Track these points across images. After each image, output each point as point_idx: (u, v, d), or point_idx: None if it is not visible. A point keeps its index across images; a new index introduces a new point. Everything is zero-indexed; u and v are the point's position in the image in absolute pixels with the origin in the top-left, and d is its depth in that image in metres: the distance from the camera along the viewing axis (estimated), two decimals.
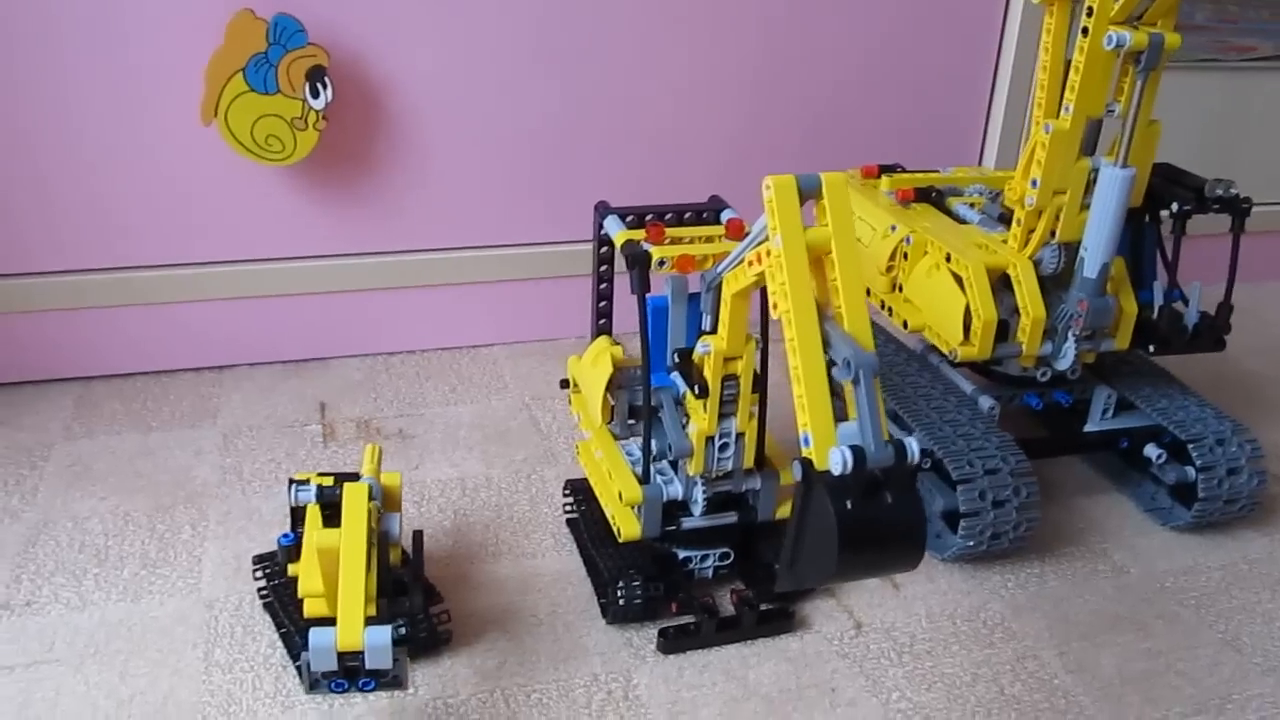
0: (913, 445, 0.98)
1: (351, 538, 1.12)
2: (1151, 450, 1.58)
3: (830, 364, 1.02)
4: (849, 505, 0.96)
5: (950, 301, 1.52)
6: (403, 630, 1.10)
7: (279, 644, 1.29)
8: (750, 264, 1.12)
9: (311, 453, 1.66)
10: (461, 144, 1.84)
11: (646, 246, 1.29)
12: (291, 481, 1.30)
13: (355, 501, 1.15)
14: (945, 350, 1.52)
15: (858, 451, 0.96)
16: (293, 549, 1.27)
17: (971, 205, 1.69)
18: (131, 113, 1.69)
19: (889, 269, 1.63)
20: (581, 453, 1.49)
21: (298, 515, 1.30)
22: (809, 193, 1.05)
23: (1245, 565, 1.51)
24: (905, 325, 1.58)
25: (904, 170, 1.79)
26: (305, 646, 1.20)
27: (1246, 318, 1.74)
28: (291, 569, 1.28)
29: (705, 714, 1.23)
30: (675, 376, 1.36)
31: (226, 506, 1.54)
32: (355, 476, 1.27)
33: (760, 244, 1.11)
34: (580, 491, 1.50)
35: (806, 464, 0.99)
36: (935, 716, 1.23)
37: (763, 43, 1.94)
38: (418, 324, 1.94)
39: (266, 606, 1.35)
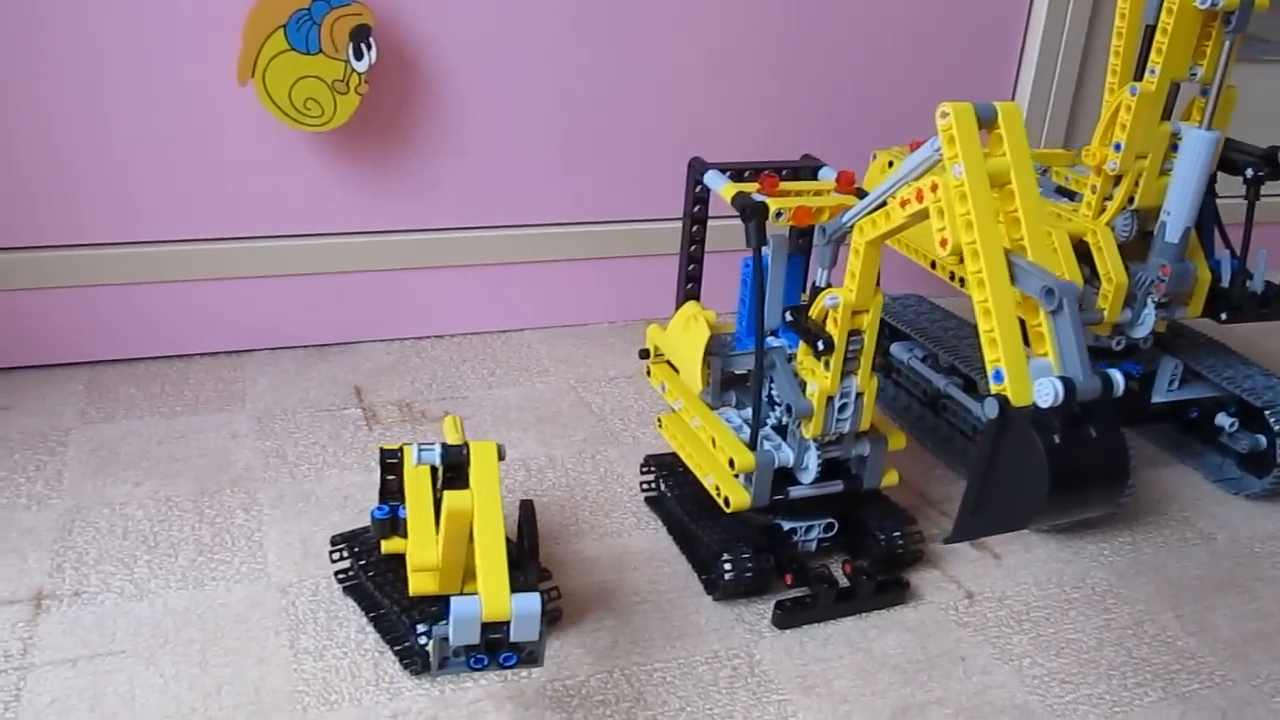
0: (1118, 377, 0.94)
1: (486, 499, 1.03)
2: (1223, 419, 1.57)
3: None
4: (1057, 441, 0.91)
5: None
6: (548, 600, 1.01)
7: (369, 629, 1.19)
8: (904, 204, 1.07)
9: (357, 435, 1.55)
10: (500, 116, 1.76)
11: (760, 197, 1.24)
12: (382, 451, 1.20)
13: (485, 461, 1.06)
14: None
15: (1069, 383, 0.91)
16: (387, 523, 1.17)
17: None
18: (160, 70, 1.57)
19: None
20: (667, 426, 1.41)
21: (388, 488, 1.20)
22: (985, 120, 1.01)
23: None
24: (961, 283, 1.55)
25: None
26: (417, 625, 1.12)
27: None
28: (385, 545, 1.18)
29: (839, 686, 1.16)
30: (773, 340, 1.30)
31: (278, 490, 1.42)
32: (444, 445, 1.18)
33: (914, 182, 1.07)
34: (664, 467, 1.43)
35: (1003, 400, 0.94)
36: (1071, 680, 1.19)
37: (797, 18, 1.90)
38: (447, 307, 1.85)
39: (349, 590, 1.24)
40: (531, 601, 0.98)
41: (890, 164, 1.69)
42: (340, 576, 1.25)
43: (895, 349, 1.70)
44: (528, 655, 1.01)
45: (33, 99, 1.52)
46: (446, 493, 1.02)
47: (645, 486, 1.46)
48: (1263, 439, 1.54)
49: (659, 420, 1.43)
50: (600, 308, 1.94)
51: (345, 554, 1.25)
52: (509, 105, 1.76)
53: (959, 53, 2.05)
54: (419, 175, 1.75)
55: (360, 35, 1.57)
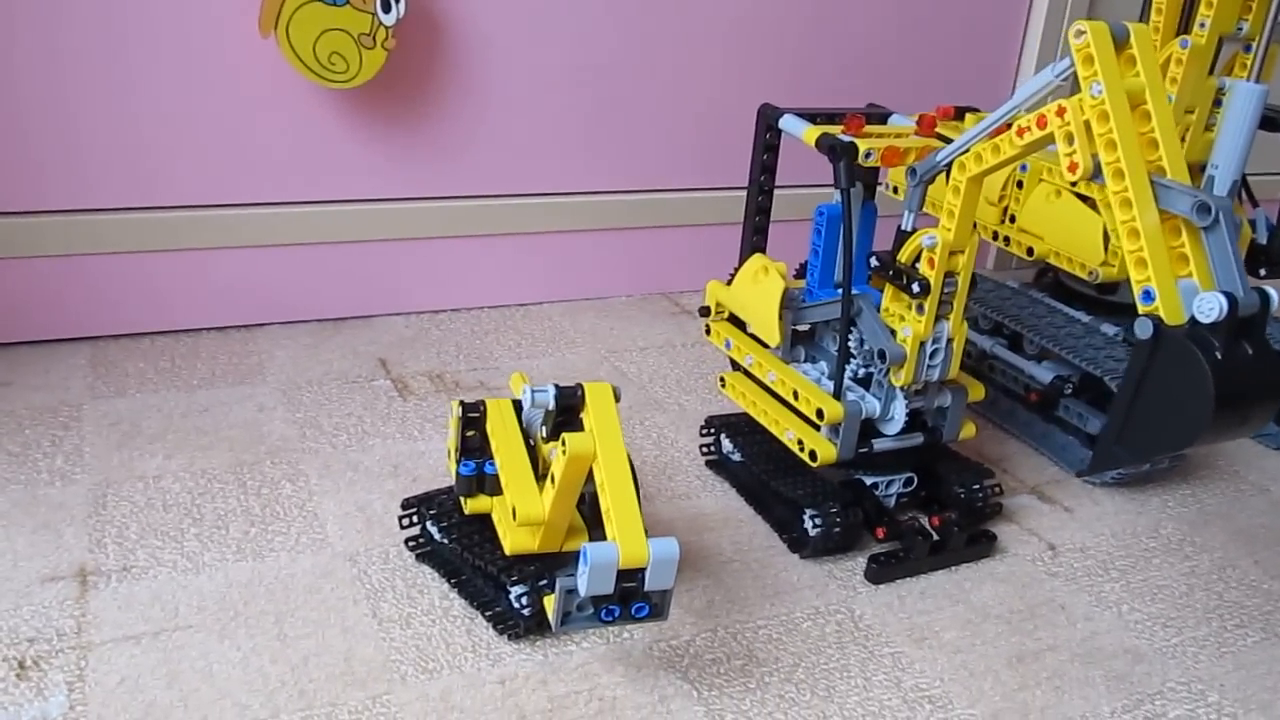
0: (1274, 294, 0.92)
1: (609, 440, 0.97)
2: None
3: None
4: (1219, 357, 0.89)
5: (1082, 224, 1.49)
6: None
7: (453, 595, 1.11)
8: (1023, 132, 1.04)
9: (391, 406, 1.47)
10: (523, 82, 1.70)
11: (847, 138, 1.20)
12: (463, 405, 1.13)
13: (603, 401, 0.99)
14: (1083, 273, 1.48)
15: (1231, 298, 0.89)
16: (474, 480, 1.09)
17: None
18: (174, 22, 1.47)
19: (1000, 200, 1.59)
20: (732, 384, 1.36)
21: (468, 445, 1.13)
22: (1119, 42, 0.98)
23: None
24: (1030, 253, 1.54)
25: (978, 111, 1.76)
26: (514, 586, 1.05)
27: None
28: (471, 505, 1.11)
29: (948, 637, 1.12)
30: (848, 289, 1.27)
31: (321, 460, 1.33)
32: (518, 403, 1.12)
33: (1035, 108, 1.04)
34: (729, 427, 1.38)
35: (1157, 320, 0.92)
36: (1173, 624, 1.17)
37: None
38: (464, 279, 1.77)
39: (423, 556, 1.16)
40: (670, 546, 0.92)
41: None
42: (411, 544, 1.17)
43: None
44: (655, 608, 0.96)
45: (37, 50, 1.41)
46: (567, 435, 0.95)
47: (706, 450, 1.41)
48: None
49: (722, 379, 1.38)
50: (620, 281, 1.88)
51: (418, 518, 1.18)
52: (533, 71, 1.70)
53: (967, 24, 2.05)
54: (438, 141, 1.67)
55: None
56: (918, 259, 1.16)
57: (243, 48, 1.49)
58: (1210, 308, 0.89)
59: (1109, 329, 1.54)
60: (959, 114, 1.71)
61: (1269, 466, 1.54)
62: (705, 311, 1.40)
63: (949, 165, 1.15)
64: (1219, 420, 0.89)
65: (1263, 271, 1.56)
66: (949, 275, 1.17)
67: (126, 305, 1.57)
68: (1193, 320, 0.90)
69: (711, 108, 1.85)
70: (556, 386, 1.01)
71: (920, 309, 1.17)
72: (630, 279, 1.88)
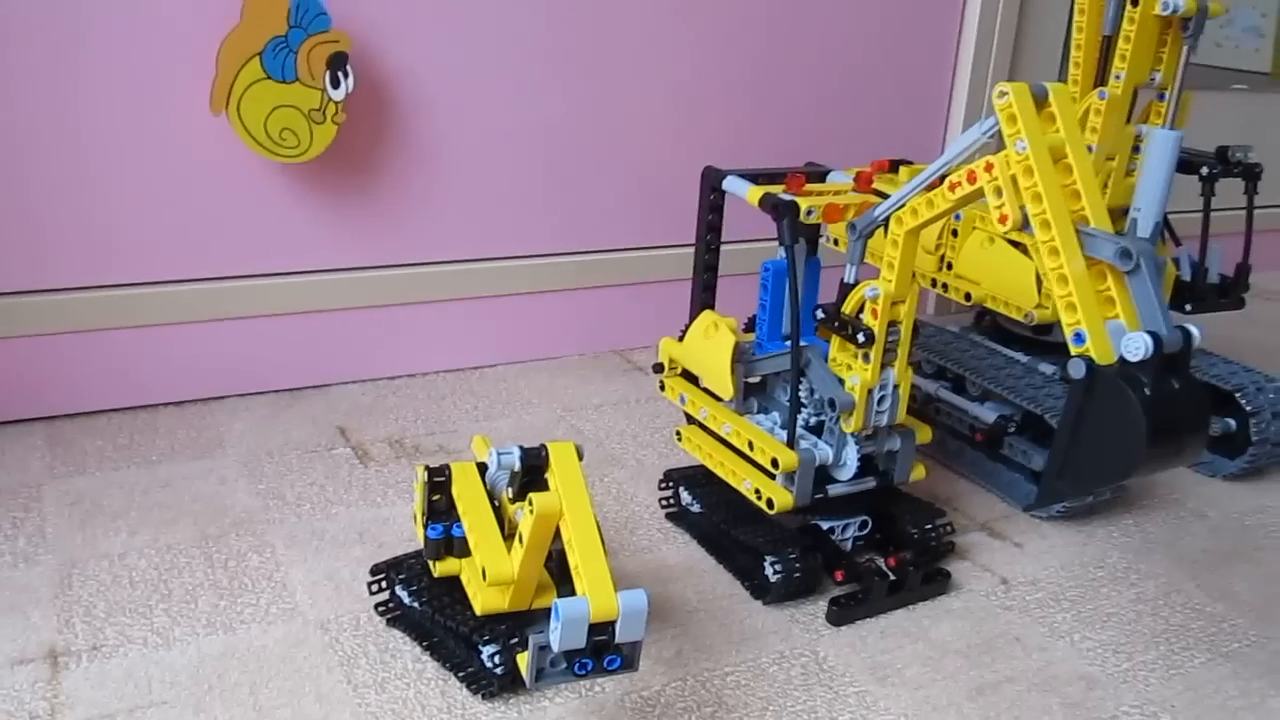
0: (1195, 331, 0.98)
1: (575, 498, 1.00)
2: None
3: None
4: (1148, 393, 0.94)
5: (1016, 269, 1.56)
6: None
7: (425, 658, 1.13)
8: (954, 187, 1.10)
9: (353, 473, 1.49)
10: (472, 148, 1.74)
11: (789, 196, 1.25)
12: (429, 470, 1.15)
13: (567, 461, 1.02)
14: (1019, 316, 1.55)
15: (1156, 337, 0.94)
16: (442, 542, 1.12)
17: None
18: (130, 104, 1.49)
19: (937, 248, 1.66)
20: (688, 437, 1.40)
21: (435, 508, 1.15)
22: (1038, 101, 1.05)
23: None
24: (968, 298, 1.60)
25: (910, 164, 1.83)
26: (485, 645, 1.07)
27: None
28: (439, 568, 1.13)
29: (910, 674, 1.16)
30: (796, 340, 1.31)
31: (287, 530, 1.34)
32: (483, 466, 1.14)
33: (962, 166, 1.10)
34: (685, 479, 1.41)
35: (1089, 361, 0.97)
36: (1123, 650, 1.22)
37: (757, 56, 1.95)
38: (419, 346, 1.80)
39: (394, 620, 1.18)
40: (638, 598, 0.94)
41: None
42: (381, 609, 1.19)
43: None
44: (625, 659, 0.98)
45: None
46: (534, 494, 0.98)
47: (665, 502, 1.44)
48: (1233, 422, 1.62)
49: (678, 433, 1.42)
50: (572, 340, 1.92)
51: (386, 583, 1.19)
52: (481, 138, 1.74)
53: (898, 87, 2.13)
54: (389, 209, 1.71)
55: (337, 63, 1.53)
56: (861, 310, 1.21)
57: (195, 125, 1.52)
58: (1137, 347, 0.94)
59: (1046, 368, 1.60)
60: (894, 167, 1.78)
61: (1206, 493, 1.60)
62: (659, 368, 1.44)
63: (887, 219, 1.20)
64: (1153, 452, 0.94)
65: (1188, 307, 1.63)
66: (892, 324, 1.22)
67: (83, 383, 1.57)
68: (1122, 359, 0.96)
69: (656, 167, 1.90)
70: (521, 448, 1.04)
71: (866, 358, 1.22)
72: (582, 337, 1.92)
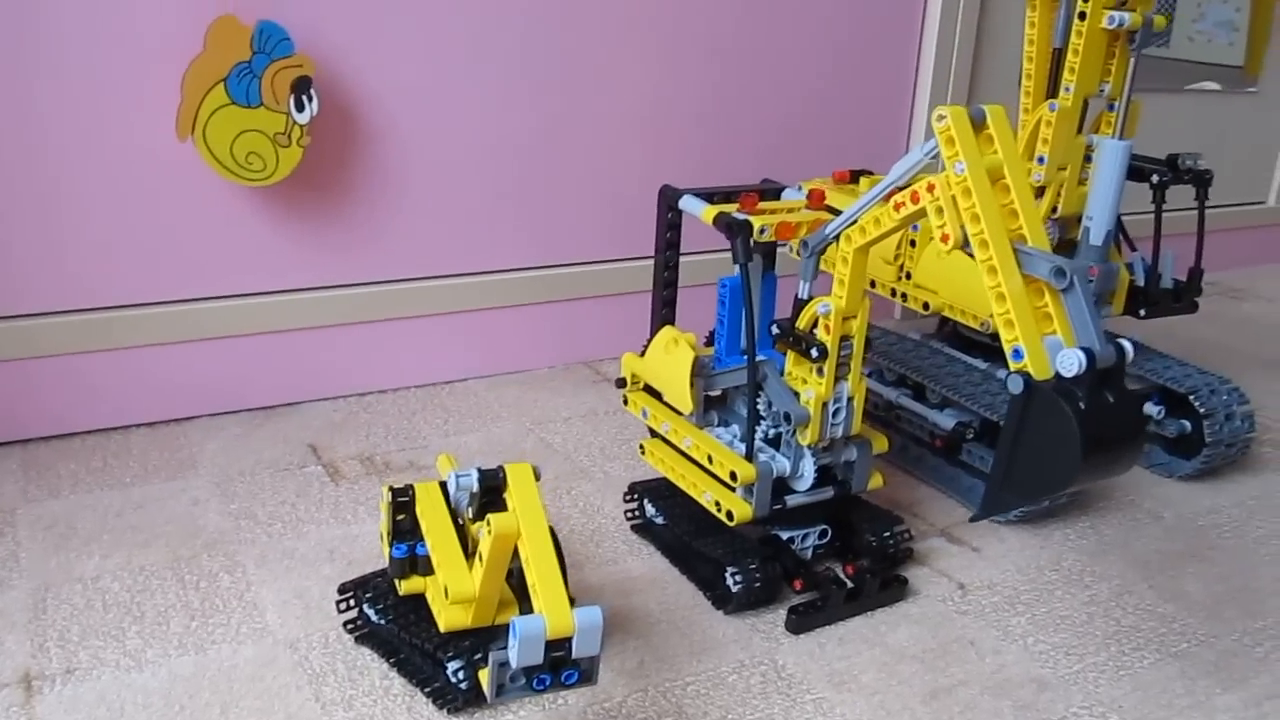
0: (1129, 346, 1.01)
1: (531, 517, 1.02)
2: (1151, 408, 1.69)
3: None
4: (1083, 407, 0.97)
5: (972, 278, 1.58)
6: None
7: (393, 674, 1.15)
8: (899, 207, 1.13)
9: (325, 492, 1.51)
10: (437, 166, 1.77)
11: (743, 215, 1.28)
12: (392, 490, 1.17)
13: (523, 482, 1.05)
14: (976, 324, 1.58)
15: (1090, 353, 0.97)
16: (406, 561, 1.14)
17: None
18: (96, 128, 1.51)
19: (896, 258, 1.69)
20: (651, 451, 1.43)
21: (400, 528, 1.18)
22: (977, 122, 1.08)
23: (1253, 501, 1.63)
24: (926, 307, 1.63)
25: (871, 174, 1.86)
26: (450, 661, 1.10)
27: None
28: (404, 586, 1.15)
29: (867, 679, 1.19)
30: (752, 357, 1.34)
31: (258, 550, 1.37)
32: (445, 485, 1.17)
33: (905, 186, 1.13)
34: (649, 492, 1.44)
35: (1026, 376, 1.00)
36: (1075, 652, 1.25)
37: (721, 68, 1.98)
38: (390, 362, 1.82)
39: (362, 638, 1.20)
40: (594, 614, 0.97)
41: None
42: (350, 626, 1.21)
43: None
44: (584, 674, 1.01)
45: None
46: (492, 515, 1.01)
47: (630, 514, 1.47)
48: (1188, 424, 1.66)
49: (641, 447, 1.45)
50: (541, 353, 1.95)
51: (354, 602, 1.22)
52: (448, 155, 1.77)
53: (860, 102, 2.16)
54: (358, 228, 1.73)
55: (301, 87, 1.55)
56: (815, 325, 1.24)
57: (164, 150, 1.54)
58: (1070, 363, 0.97)
59: (1003, 374, 1.63)
60: (854, 177, 1.81)
61: (1162, 494, 1.64)
62: (621, 383, 1.46)
63: (838, 236, 1.23)
64: (1089, 463, 0.97)
65: (1142, 312, 1.67)
66: (845, 339, 1.25)
67: (56, 406, 1.60)
68: (1058, 374, 0.99)
69: (623, 182, 1.93)
70: (479, 470, 1.07)
71: (820, 372, 1.25)
72: (551, 350, 1.95)
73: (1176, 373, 1.69)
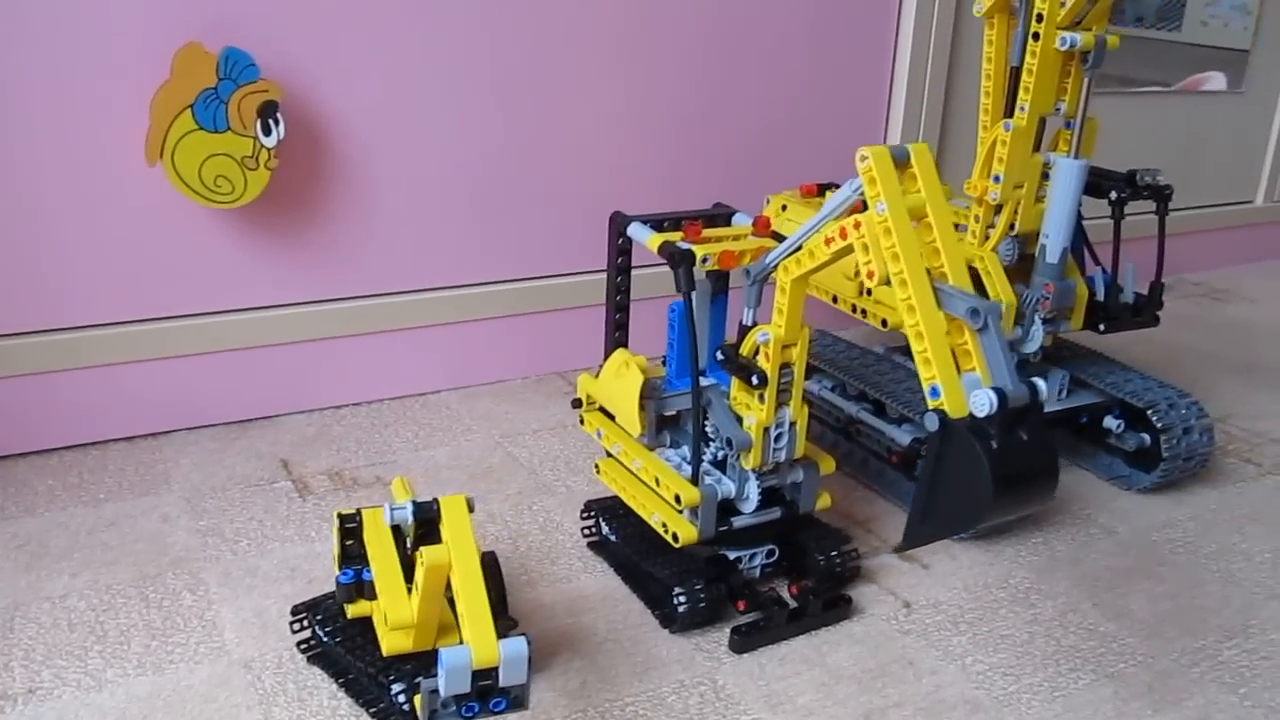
0: (1042, 384, 1.03)
1: (462, 550, 1.06)
2: (1111, 421, 1.71)
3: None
4: (995, 446, 1.00)
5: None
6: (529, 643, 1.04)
7: (341, 695, 1.19)
8: (829, 242, 1.16)
9: (291, 508, 1.55)
10: (406, 184, 1.80)
11: (686, 245, 1.31)
12: (340, 517, 1.21)
13: (456, 514, 1.09)
14: None
15: (1001, 393, 1.00)
16: (353, 586, 1.18)
17: None
18: (67, 153, 1.55)
19: (856, 274, 1.70)
20: (605, 470, 1.46)
21: (349, 553, 1.21)
22: (900, 161, 1.10)
23: (1209, 515, 1.64)
24: (885, 324, 1.65)
25: (838, 186, 1.87)
26: (392, 684, 1.14)
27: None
28: (352, 610, 1.19)
29: (803, 701, 1.22)
30: (705, 380, 1.37)
31: (221, 568, 1.41)
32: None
33: (836, 221, 1.15)
34: (605, 510, 1.47)
35: (942, 414, 1.03)
36: (1012, 673, 1.28)
37: (692, 84, 2.00)
38: (364, 374, 1.86)
39: (314, 659, 1.24)
40: (519, 645, 1.01)
41: (784, 207, 1.78)
42: (303, 646, 1.25)
43: (807, 384, 1.78)
44: (514, 700, 1.04)
45: None
46: (424, 548, 1.05)
47: (587, 531, 1.50)
48: (1147, 437, 1.67)
49: (597, 466, 1.48)
50: (514, 364, 1.98)
51: (306, 623, 1.26)
52: (417, 171, 1.80)
53: (836, 103, 2.17)
54: (330, 246, 1.77)
55: (268, 111, 1.59)
56: (757, 352, 1.27)
57: (133, 172, 1.58)
58: (981, 404, 1.00)
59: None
60: (821, 190, 1.83)
61: (1119, 508, 1.66)
62: (577, 403, 1.50)
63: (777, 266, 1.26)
64: (1000, 501, 1.00)
65: (1101, 327, 1.68)
66: (785, 366, 1.27)
67: (35, 423, 1.64)
68: (972, 414, 1.01)
69: (592, 196, 1.96)
70: (414, 503, 1.11)
71: (762, 398, 1.27)
72: (525, 361, 1.98)
73: (1137, 386, 1.70)
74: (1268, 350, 2.36)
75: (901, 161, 1.10)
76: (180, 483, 1.61)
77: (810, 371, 1.80)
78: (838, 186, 1.87)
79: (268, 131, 1.60)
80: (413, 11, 1.72)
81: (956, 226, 1.71)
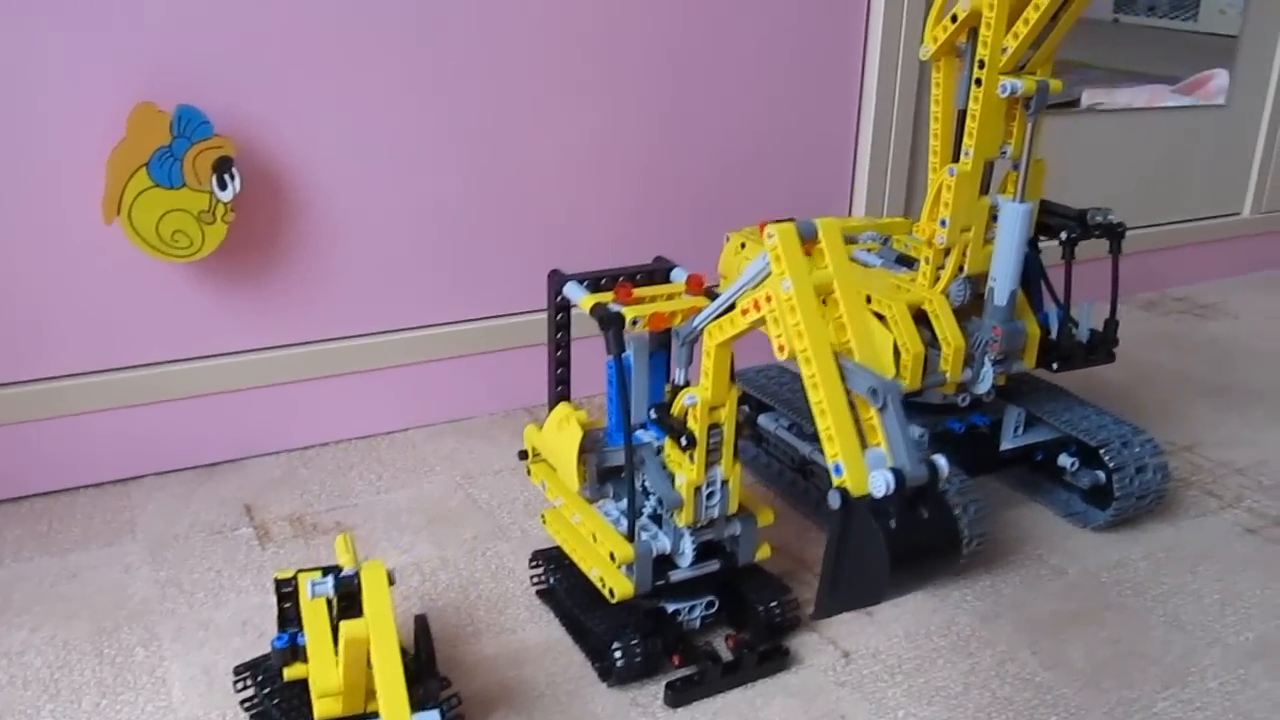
0: (942, 462, 1.04)
1: (380, 623, 1.09)
2: (1065, 459, 1.71)
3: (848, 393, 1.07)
4: (893, 525, 1.01)
5: (877, 340, 1.61)
6: (445, 713, 1.07)
7: None
8: (745, 312, 1.17)
9: (251, 557, 1.59)
10: (367, 229, 1.83)
11: (616, 307, 1.32)
12: (278, 582, 1.25)
13: (376, 585, 1.12)
14: None
15: (899, 473, 1.01)
16: (288, 651, 1.21)
17: (869, 250, 1.80)
18: (26, 211, 1.59)
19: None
20: (550, 521, 1.48)
21: (286, 616, 1.25)
22: (807, 238, 1.11)
23: (1163, 553, 1.65)
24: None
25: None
26: None
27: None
28: (288, 673, 1.22)
29: None
30: (644, 434, 1.39)
31: (176, 622, 1.45)
32: (335, 569, 1.23)
33: (752, 292, 1.16)
34: (551, 561, 1.50)
35: (844, 492, 1.04)
36: None
37: (656, 120, 2.01)
38: (331, 415, 1.89)
39: (256, 718, 1.28)
40: (431, 718, 1.04)
41: (743, 245, 1.80)
42: (246, 705, 1.29)
43: (762, 420, 1.80)
44: None
45: None
46: (343, 623, 1.08)
47: (535, 580, 1.53)
48: (1101, 475, 1.67)
49: (543, 517, 1.50)
50: (479, 401, 2.01)
51: (249, 683, 1.29)
52: (377, 216, 1.82)
53: (803, 138, 2.18)
54: (294, 291, 1.80)
55: (223, 167, 1.62)
56: (688, 412, 1.29)
57: (96, 227, 1.61)
58: (879, 485, 1.01)
59: (914, 431, 1.66)
60: None
61: (1072, 546, 1.66)
62: (524, 455, 1.52)
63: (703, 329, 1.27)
64: (898, 578, 1.02)
65: (1055, 366, 1.69)
66: (714, 427, 1.29)
67: (4, 472, 1.69)
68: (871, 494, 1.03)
69: (553, 232, 1.98)
70: (335, 576, 1.14)
71: (693, 457, 1.29)
72: (491, 398, 2.01)
73: (1092, 423, 1.70)
74: (1243, 369, 2.35)
75: (809, 237, 1.11)
76: (144, 530, 1.65)
77: (768, 409, 1.81)
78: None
79: (223, 186, 1.63)
80: (367, 60, 1.75)
81: (911, 261, 1.72)
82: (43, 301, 1.64)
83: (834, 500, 1.04)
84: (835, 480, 1.06)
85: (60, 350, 1.68)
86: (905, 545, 1.01)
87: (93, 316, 1.68)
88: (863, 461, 1.05)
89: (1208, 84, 2.89)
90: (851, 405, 1.08)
